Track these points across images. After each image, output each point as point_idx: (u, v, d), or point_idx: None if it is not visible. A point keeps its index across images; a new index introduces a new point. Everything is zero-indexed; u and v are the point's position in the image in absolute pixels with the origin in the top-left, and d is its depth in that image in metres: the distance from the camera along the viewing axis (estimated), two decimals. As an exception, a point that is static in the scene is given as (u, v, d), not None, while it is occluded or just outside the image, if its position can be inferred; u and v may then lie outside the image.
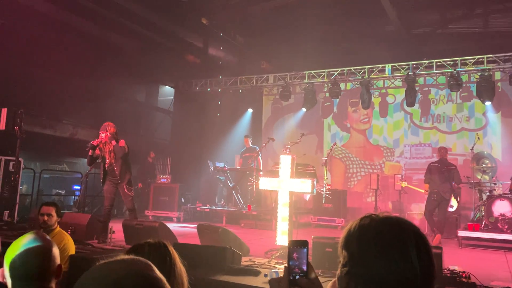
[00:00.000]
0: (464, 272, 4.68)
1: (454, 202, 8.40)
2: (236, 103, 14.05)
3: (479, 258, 7.09)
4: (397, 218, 1.16)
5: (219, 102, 13.92)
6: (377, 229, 1.12)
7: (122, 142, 7.02)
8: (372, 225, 1.13)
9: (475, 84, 10.42)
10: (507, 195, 8.23)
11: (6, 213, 8.06)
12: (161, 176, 11.95)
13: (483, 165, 8.85)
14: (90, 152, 6.89)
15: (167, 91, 15.38)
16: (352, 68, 11.59)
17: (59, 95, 10.29)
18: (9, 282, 1.75)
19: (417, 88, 11.32)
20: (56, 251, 1.86)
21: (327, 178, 9.41)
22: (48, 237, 1.91)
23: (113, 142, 6.98)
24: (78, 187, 12.76)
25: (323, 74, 11.97)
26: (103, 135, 6.92)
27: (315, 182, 6.27)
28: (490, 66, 9.91)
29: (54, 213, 4.36)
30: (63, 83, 10.29)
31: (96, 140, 6.90)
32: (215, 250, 4.61)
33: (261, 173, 10.28)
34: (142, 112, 14.56)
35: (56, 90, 10.12)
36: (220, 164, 11.83)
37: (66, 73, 10.24)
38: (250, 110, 14.12)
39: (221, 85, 13.40)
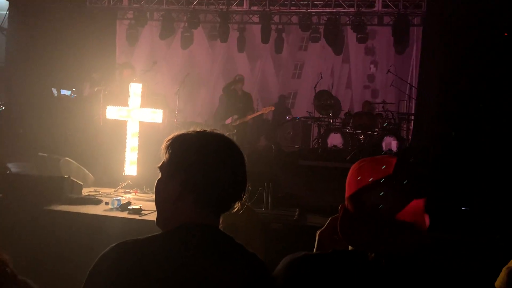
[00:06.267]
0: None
1: None
2: (87, 23, 12.68)
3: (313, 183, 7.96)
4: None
5: None
6: None
7: None
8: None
9: (323, 27, 11.08)
10: (340, 129, 9.32)
11: None
12: None
13: (323, 102, 9.78)
14: None
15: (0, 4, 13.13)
16: (211, -2, 11.32)
17: None
18: None
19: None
20: None
21: (177, 110, 9.32)
22: None
23: None
24: None
25: (182, 1, 11.47)
26: None
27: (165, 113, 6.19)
28: (336, 10, 10.54)
29: None
30: None
31: None
32: (51, 180, 4.31)
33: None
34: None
35: None
36: (66, 92, 10.84)
37: None
38: (100, 34, 12.92)
39: (66, 1, 11.86)
